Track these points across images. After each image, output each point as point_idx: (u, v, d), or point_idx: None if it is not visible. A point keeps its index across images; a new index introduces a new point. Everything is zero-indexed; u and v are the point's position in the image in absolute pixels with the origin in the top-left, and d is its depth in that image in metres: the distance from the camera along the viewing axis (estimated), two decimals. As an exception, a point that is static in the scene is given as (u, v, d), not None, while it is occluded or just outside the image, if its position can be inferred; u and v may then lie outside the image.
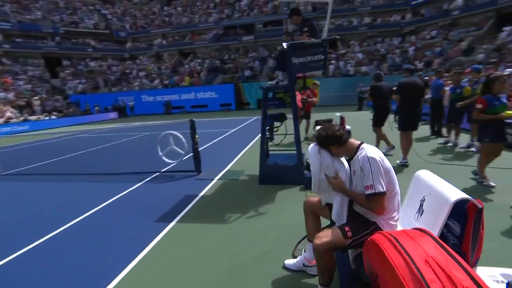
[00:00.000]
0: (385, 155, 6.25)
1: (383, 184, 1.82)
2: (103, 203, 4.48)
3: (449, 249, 1.43)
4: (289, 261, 2.51)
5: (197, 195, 4.55)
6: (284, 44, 4.89)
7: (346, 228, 1.92)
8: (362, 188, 1.94)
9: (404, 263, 1.40)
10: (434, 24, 24.95)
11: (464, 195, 1.78)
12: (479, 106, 3.99)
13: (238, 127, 12.28)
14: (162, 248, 3.09)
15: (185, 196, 4.52)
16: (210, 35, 29.97)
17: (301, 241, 2.81)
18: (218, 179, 5.29)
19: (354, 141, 2.04)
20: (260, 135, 4.89)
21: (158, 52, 31.06)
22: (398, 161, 5.43)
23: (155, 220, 3.75)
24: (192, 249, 3.02)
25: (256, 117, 15.68)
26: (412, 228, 1.68)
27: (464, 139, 6.70)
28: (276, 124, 5.25)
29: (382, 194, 1.83)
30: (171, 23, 32.39)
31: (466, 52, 19.92)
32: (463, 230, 1.76)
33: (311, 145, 2.17)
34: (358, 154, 1.95)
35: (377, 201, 1.85)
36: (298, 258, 2.48)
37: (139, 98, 23.77)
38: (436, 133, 7.91)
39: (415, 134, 6.38)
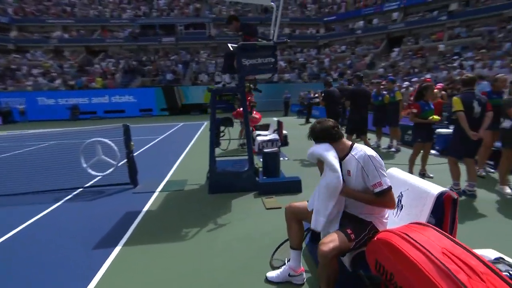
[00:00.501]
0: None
1: (387, 178, 1.89)
2: (5, 234, 3.49)
3: (452, 237, 1.57)
4: (272, 273, 2.39)
5: (140, 211, 3.98)
6: (230, 45, 4.80)
7: (349, 231, 1.91)
8: (359, 187, 1.96)
9: (425, 258, 1.44)
10: (343, 40, 28.72)
11: (442, 188, 2.00)
12: (414, 110, 4.69)
13: (167, 133, 11.53)
14: (112, 278, 2.56)
15: (126, 214, 3.91)
16: (124, 32, 27.53)
17: (277, 250, 2.72)
18: (160, 191, 4.77)
19: (345, 140, 2.07)
20: (209, 141, 4.65)
21: (58, 47, 26.82)
22: None
23: (94, 247, 3.09)
24: (152, 274, 2.59)
25: (182, 123, 15.04)
26: (410, 223, 1.80)
27: (384, 141, 7.83)
28: (221, 128, 5.10)
29: (391, 188, 1.89)
30: (74, 14, 28.51)
31: (370, 66, 23.55)
32: (440, 219, 1.97)
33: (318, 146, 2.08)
34: (353, 153, 1.97)
35: (388, 195, 1.88)
36: (282, 268, 2.37)
37: (33, 100, 19.94)
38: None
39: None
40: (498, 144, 4.82)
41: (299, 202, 2.33)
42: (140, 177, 5.15)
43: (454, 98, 4.20)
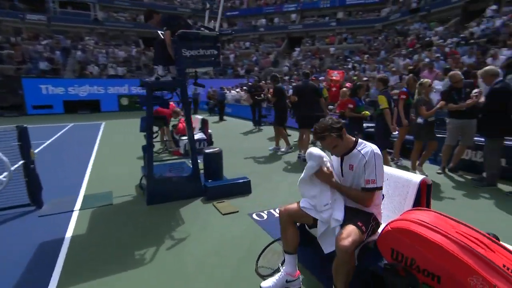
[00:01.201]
0: (285, 153, 6.97)
1: (382, 179, 2.05)
2: None
3: (453, 217, 1.84)
4: (267, 283, 2.27)
5: (61, 240, 3.17)
6: (160, 33, 4.33)
7: (359, 223, 1.98)
8: (355, 182, 2.09)
9: (446, 239, 1.62)
10: (247, 36, 29.93)
11: (420, 176, 2.31)
12: (351, 106, 5.29)
13: (55, 137, 9.56)
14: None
15: (41, 247, 3.04)
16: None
17: (259, 257, 2.62)
18: (80, 210, 3.93)
19: (349, 136, 2.15)
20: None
21: None
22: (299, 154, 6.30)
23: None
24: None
25: (72, 124, 12.80)
26: (411, 209, 2.00)
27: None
28: (155, 129, 4.59)
29: (380, 188, 2.05)
30: None
31: (274, 64, 25.30)
32: (418, 204, 2.28)
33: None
34: (358, 148, 2.07)
35: (372, 195, 2.04)
36: (277, 276, 2.29)
37: None
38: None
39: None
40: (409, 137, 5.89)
41: (292, 204, 2.30)
42: (45, 194, 4.11)
43: (380, 96, 4.95)
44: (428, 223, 1.73)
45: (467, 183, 4.79)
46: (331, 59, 22.12)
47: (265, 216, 3.65)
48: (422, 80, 5.37)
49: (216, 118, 14.06)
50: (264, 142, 8.52)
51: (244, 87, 15.14)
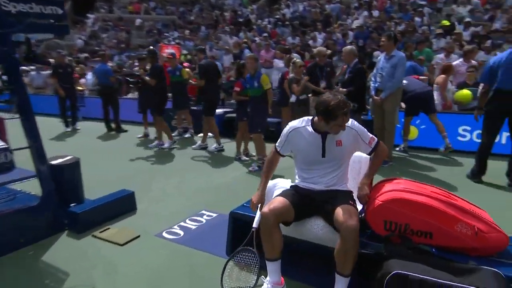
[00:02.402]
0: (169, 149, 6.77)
1: None
2: None
3: (415, 180, 2.47)
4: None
5: None
6: None
7: (351, 202, 2.29)
8: (346, 156, 2.47)
9: (430, 199, 2.13)
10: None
11: (362, 153, 2.88)
12: (237, 89, 5.44)
13: None
14: None
15: None
16: None
17: (222, 280, 2.48)
18: None
19: None
20: None
21: None
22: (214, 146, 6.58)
23: None
24: None
25: None
26: (384, 180, 2.50)
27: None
28: None
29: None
30: None
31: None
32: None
33: None
34: None
35: (382, 144, 2.47)
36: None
37: None
38: (117, 129, 8.68)
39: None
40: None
41: (273, 202, 2.33)
42: None
43: (263, 76, 5.47)
44: (411, 189, 2.26)
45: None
46: (139, 32, 21.47)
47: (181, 232, 3.40)
48: (294, 59, 6.40)
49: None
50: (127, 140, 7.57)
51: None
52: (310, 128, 2.46)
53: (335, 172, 2.47)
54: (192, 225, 3.60)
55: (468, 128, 6.13)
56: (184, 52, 13.43)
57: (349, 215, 2.13)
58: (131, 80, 7.87)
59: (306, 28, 14.48)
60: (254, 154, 6.05)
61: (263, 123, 5.49)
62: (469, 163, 4.98)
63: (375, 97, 5.36)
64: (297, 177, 2.63)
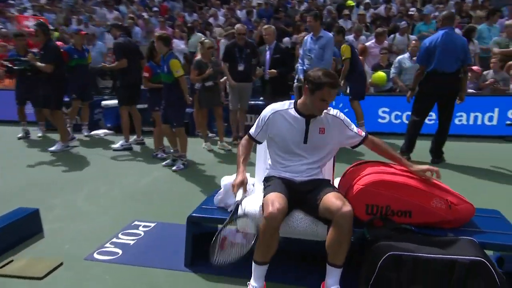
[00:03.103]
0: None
1: None
2: None
3: (385, 162, 2.79)
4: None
5: None
6: None
7: (336, 189, 2.49)
8: (330, 143, 2.61)
9: (406, 178, 2.46)
10: None
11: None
12: (146, 74, 5.09)
13: None
14: None
15: None
16: None
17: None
18: None
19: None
20: None
21: None
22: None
23: None
24: None
25: None
26: (355, 166, 2.75)
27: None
28: None
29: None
30: None
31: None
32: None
33: None
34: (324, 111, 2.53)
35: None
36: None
37: None
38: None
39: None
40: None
41: (277, 199, 2.34)
42: None
43: (172, 60, 5.26)
44: (386, 170, 2.57)
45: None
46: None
47: (118, 251, 3.14)
48: (202, 39, 6.32)
49: None
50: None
51: None
52: (293, 111, 2.58)
53: (315, 162, 2.63)
54: (128, 240, 3.39)
55: (387, 109, 7.05)
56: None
57: (342, 201, 2.31)
58: (16, 68, 6.69)
59: (201, 3, 14.42)
60: (172, 150, 5.95)
61: (181, 115, 5.38)
62: (391, 144, 5.78)
63: (304, 81, 5.74)
64: (272, 167, 2.72)
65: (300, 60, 6.07)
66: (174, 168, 5.34)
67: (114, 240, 3.39)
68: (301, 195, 2.55)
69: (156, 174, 5.23)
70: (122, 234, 3.49)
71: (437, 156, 5.37)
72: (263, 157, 3.05)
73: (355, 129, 2.66)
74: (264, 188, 2.64)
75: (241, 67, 6.42)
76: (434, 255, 2.19)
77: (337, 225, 2.24)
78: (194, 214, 2.87)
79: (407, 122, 6.20)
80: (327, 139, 2.60)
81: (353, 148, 2.72)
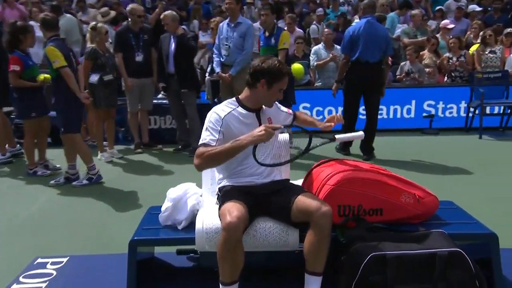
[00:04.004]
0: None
1: None
2: None
3: (349, 160, 3.04)
4: None
5: None
6: None
7: (306, 190, 2.69)
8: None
9: (375, 174, 2.72)
10: None
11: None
12: (16, 68, 4.56)
13: None
14: None
15: None
16: None
17: None
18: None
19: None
20: None
21: None
22: None
23: None
24: None
25: None
26: (322, 164, 2.97)
27: None
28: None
29: None
30: None
31: None
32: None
33: None
34: None
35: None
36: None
37: None
38: None
39: None
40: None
41: (235, 208, 2.41)
42: None
43: (50, 47, 4.90)
44: (355, 167, 2.85)
45: (171, 157, 6.41)
46: None
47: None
48: (93, 24, 5.98)
49: None
50: None
51: None
52: (241, 109, 2.71)
53: (269, 158, 2.81)
54: (37, 283, 3.11)
55: (308, 105, 7.55)
56: None
57: (319, 201, 2.49)
58: None
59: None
60: (58, 165, 5.70)
61: (70, 117, 5.02)
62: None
63: (223, 75, 5.86)
64: (226, 177, 2.80)
65: (215, 50, 6.17)
66: (74, 183, 5.11)
67: (15, 286, 3.09)
68: (265, 199, 2.68)
69: (47, 197, 4.85)
70: (24, 277, 3.20)
71: (367, 152, 5.96)
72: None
73: (284, 108, 3.02)
74: (219, 200, 2.71)
75: (139, 58, 6.28)
76: (414, 250, 2.49)
77: (317, 226, 2.40)
78: (139, 238, 2.78)
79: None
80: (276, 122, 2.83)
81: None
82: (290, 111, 3.07)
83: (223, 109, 2.70)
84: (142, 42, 6.24)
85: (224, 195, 2.63)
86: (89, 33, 5.83)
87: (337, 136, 2.94)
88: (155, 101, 6.84)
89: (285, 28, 7.08)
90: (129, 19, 6.46)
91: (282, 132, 2.99)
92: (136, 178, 5.53)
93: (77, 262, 3.40)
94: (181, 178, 3.37)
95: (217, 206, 2.71)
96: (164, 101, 6.94)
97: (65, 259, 3.44)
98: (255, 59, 2.75)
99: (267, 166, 2.69)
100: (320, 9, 10.12)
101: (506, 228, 3.14)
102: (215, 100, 6.61)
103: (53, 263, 3.39)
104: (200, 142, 2.62)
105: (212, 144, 2.57)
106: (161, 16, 6.19)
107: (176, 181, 3.17)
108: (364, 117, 6.16)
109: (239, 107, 2.71)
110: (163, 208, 2.89)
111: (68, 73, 4.77)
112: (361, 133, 3.14)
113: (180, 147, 6.61)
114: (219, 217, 2.52)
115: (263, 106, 2.79)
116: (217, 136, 2.60)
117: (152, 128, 7.03)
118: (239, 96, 2.77)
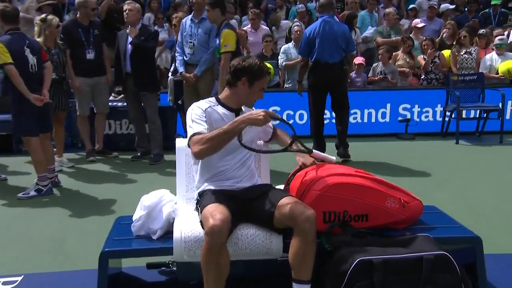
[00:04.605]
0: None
1: None
2: None
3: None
4: None
5: None
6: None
7: (289, 194, 2.88)
8: (256, 135, 3.10)
9: (361, 179, 2.91)
10: None
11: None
12: None
13: None
14: None
15: None
16: None
17: None
18: None
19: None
20: None
21: None
22: None
23: None
24: None
25: None
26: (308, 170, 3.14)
27: None
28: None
29: None
30: None
31: None
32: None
33: None
34: None
35: None
36: None
37: None
38: None
39: None
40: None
41: (218, 210, 2.52)
42: None
43: None
44: (340, 172, 3.05)
45: (129, 165, 6.46)
46: None
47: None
48: (43, 16, 5.91)
49: None
50: None
51: None
52: (221, 108, 2.91)
53: (249, 160, 3.02)
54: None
55: (278, 108, 7.77)
56: None
57: (303, 204, 2.67)
58: None
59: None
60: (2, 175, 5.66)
61: (21, 120, 5.03)
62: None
63: (187, 75, 5.97)
64: (205, 181, 2.95)
65: (177, 49, 6.26)
66: (20, 194, 5.10)
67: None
68: (247, 204, 2.85)
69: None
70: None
71: (343, 147, 6.26)
72: (184, 172, 3.24)
73: None
74: (199, 205, 2.83)
75: (90, 55, 6.28)
76: (401, 255, 2.71)
77: (302, 231, 2.56)
78: (110, 249, 2.85)
79: (301, 122, 7.03)
80: (254, 130, 3.01)
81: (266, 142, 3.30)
82: (271, 124, 3.13)
83: (204, 104, 2.91)
84: (92, 38, 6.24)
85: (206, 199, 2.75)
86: (38, 25, 5.77)
87: (314, 151, 3.17)
88: (109, 103, 6.83)
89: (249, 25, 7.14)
90: (78, 12, 6.42)
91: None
92: (92, 188, 5.51)
93: (33, 281, 3.41)
94: (143, 188, 3.47)
95: (196, 213, 2.84)
96: (120, 104, 6.94)
97: (18, 278, 3.42)
98: (235, 58, 2.92)
99: (250, 149, 2.85)
100: (301, 5, 10.35)
101: (485, 233, 3.38)
102: (179, 102, 6.66)
103: (5, 283, 3.38)
104: (191, 133, 2.76)
105: (204, 132, 2.73)
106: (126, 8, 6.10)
107: (137, 191, 3.25)
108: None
109: (219, 105, 2.91)
110: (135, 217, 2.96)
111: (12, 71, 4.77)
112: (334, 158, 3.42)
113: (139, 154, 6.62)
114: (201, 222, 2.64)
115: (243, 108, 2.98)
116: (205, 125, 2.79)
117: (106, 133, 7.00)
118: (219, 96, 2.98)
